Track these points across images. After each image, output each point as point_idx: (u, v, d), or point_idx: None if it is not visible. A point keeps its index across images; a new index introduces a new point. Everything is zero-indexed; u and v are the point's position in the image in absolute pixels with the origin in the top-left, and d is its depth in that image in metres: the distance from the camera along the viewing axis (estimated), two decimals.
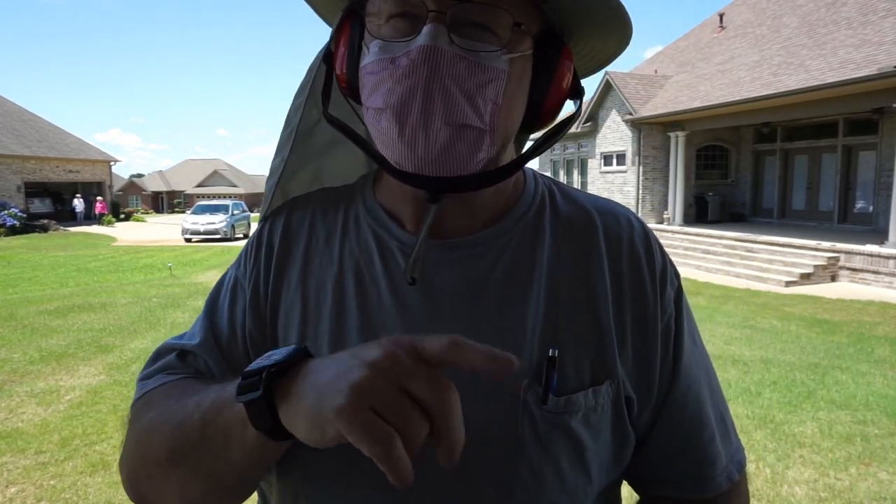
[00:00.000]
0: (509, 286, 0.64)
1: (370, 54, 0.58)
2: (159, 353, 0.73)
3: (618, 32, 0.64)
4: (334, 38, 0.65)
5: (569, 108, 0.69)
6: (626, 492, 0.75)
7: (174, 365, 0.71)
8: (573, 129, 19.02)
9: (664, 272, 0.68)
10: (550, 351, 0.61)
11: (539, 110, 0.63)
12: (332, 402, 0.44)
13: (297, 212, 0.73)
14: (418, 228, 0.65)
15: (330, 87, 0.67)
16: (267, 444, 0.52)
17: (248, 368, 0.51)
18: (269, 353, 0.53)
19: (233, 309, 0.70)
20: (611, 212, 0.70)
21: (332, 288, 0.66)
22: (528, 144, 0.77)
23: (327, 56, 0.66)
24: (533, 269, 0.65)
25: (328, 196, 0.75)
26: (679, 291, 0.69)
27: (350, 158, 0.81)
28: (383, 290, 0.64)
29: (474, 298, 0.63)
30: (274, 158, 0.78)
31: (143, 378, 0.71)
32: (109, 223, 29.59)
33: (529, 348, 0.61)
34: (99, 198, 31.66)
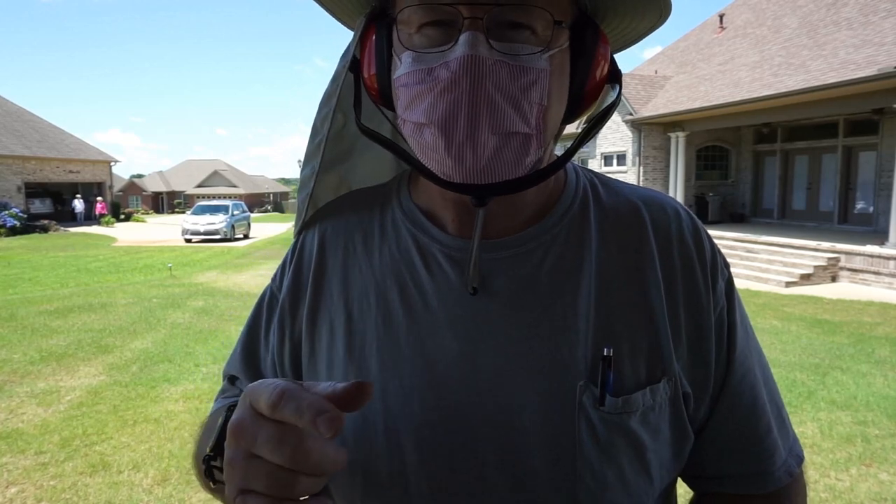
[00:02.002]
0: (559, 283, 0.62)
1: (403, 65, 0.56)
2: (223, 377, 0.80)
3: (656, 8, 0.61)
4: (359, 44, 0.63)
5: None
6: (681, 489, 0.73)
7: (228, 389, 0.78)
8: (573, 130, 18.97)
9: (714, 264, 0.66)
10: (605, 350, 0.59)
11: (579, 100, 0.61)
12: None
13: (331, 220, 0.72)
14: (460, 231, 0.64)
15: (360, 97, 0.64)
16: None
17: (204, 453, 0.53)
18: (213, 424, 0.55)
19: (268, 328, 0.71)
20: (658, 202, 0.68)
21: (376, 297, 0.64)
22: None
23: (354, 64, 0.64)
24: (581, 264, 0.63)
25: (361, 199, 0.73)
26: (730, 282, 0.67)
27: (378, 159, 0.80)
28: (430, 296, 0.62)
29: (523, 299, 0.61)
30: (303, 169, 0.76)
31: (215, 399, 0.80)
32: (109, 224, 29.48)
33: (584, 347, 0.59)
34: (99, 198, 31.65)
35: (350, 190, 0.79)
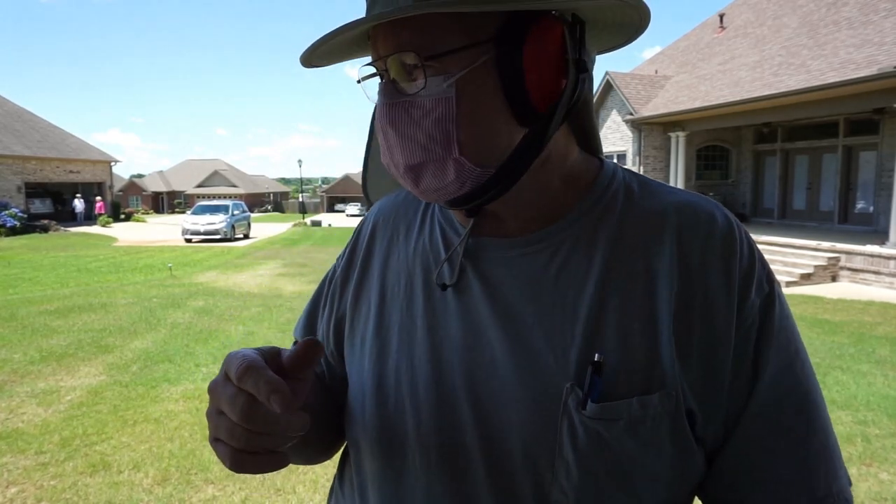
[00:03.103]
0: (561, 285, 0.62)
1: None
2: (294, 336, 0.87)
3: (629, 28, 0.65)
4: None
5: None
6: None
7: None
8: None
9: (748, 275, 0.61)
10: (596, 355, 0.59)
11: (521, 100, 0.58)
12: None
13: (385, 210, 0.80)
14: (477, 228, 0.69)
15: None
16: None
17: None
18: None
19: (325, 301, 0.81)
20: (692, 207, 0.64)
21: (405, 282, 0.71)
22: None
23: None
24: (588, 268, 0.62)
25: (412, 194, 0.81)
26: (769, 298, 0.62)
27: None
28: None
29: (525, 297, 0.63)
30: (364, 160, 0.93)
31: None
32: (106, 224, 29.33)
33: (576, 350, 0.60)
34: (98, 198, 31.66)
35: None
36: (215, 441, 0.54)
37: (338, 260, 0.82)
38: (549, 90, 0.59)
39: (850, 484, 0.64)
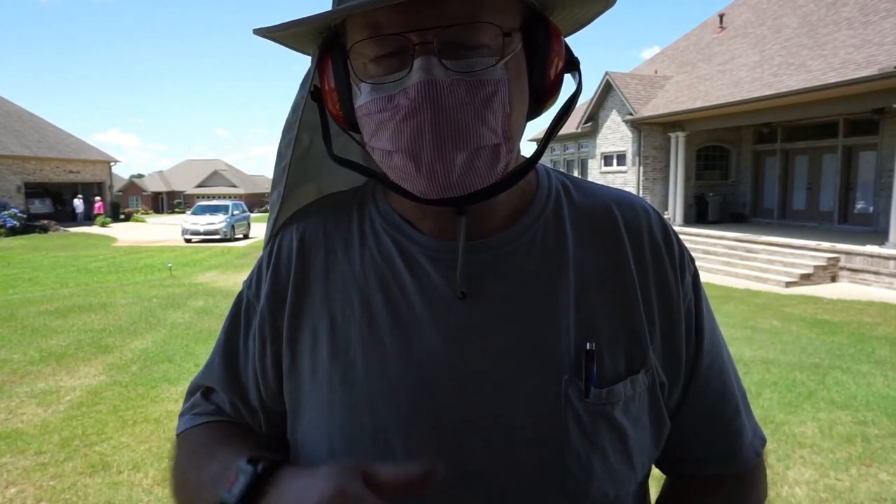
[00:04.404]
0: (541, 282, 0.63)
1: (363, 95, 0.58)
2: (190, 392, 0.77)
3: (600, 1, 0.63)
4: (317, 74, 0.64)
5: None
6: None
7: (200, 403, 0.75)
8: (574, 130, 19.03)
9: (682, 259, 0.70)
10: (588, 344, 0.61)
11: (541, 96, 0.62)
12: None
13: (309, 225, 0.71)
14: (440, 232, 0.65)
15: (328, 126, 0.66)
16: None
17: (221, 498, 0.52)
18: (231, 477, 0.52)
19: (247, 337, 0.70)
20: (628, 202, 0.71)
21: (359, 300, 0.64)
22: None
23: (315, 93, 0.65)
24: (561, 262, 0.65)
25: (336, 203, 0.73)
26: (696, 276, 0.71)
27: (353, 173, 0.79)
28: (414, 297, 0.63)
29: (507, 299, 0.63)
30: (271, 193, 0.78)
31: (181, 414, 0.77)
32: (104, 224, 29.19)
33: (566, 343, 0.62)
34: (98, 198, 31.65)
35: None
36: None
37: (248, 288, 0.72)
38: (557, 84, 0.62)
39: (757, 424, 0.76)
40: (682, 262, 0.69)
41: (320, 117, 0.67)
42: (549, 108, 0.65)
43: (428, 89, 0.53)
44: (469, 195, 0.58)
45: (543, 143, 0.66)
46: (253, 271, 0.73)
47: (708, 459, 0.72)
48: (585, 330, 0.62)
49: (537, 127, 30.67)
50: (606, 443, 0.61)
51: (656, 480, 0.75)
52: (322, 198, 0.77)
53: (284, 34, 0.62)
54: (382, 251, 0.66)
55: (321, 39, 0.63)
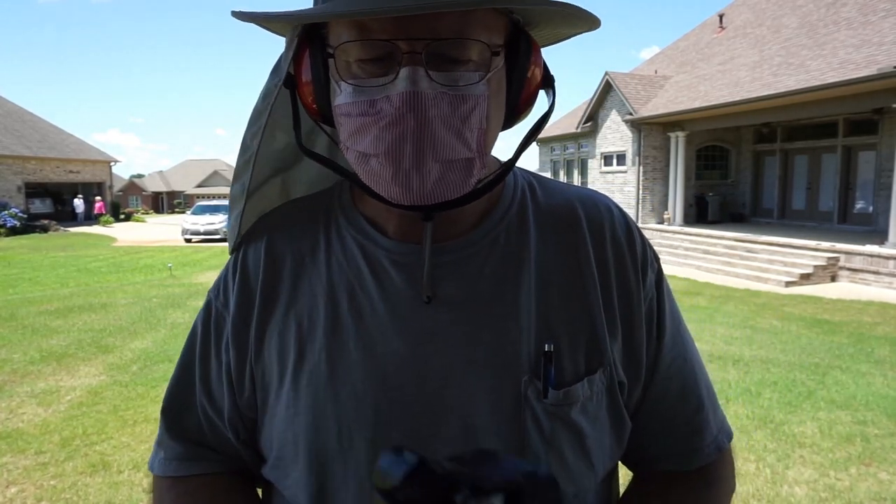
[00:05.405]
0: (501, 284, 0.64)
1: (343, 94, 0.57)
2: (164, 410, 0.74)
3: (586, 22, 0.62)
4: (293, 63, 0.62)
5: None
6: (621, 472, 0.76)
7: (178, 436, 0.72)
8: (574, 130, 19.04)
9: (644, 257, 0.70)
10: (546, 346, 0.62)
11: (516, 110, 0.63)
12: None
13: (275, 232, 0.71)
14: (403, 236, 0.66)
15: (298, 115, 0.65)
16: None
17: None
18: None
19: (219, 348, 0.70)
20: (591, 200, 0.72)
21: (325, 305, 0.65)
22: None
23: (289, 80, 0.63)
24: (522, 263, 0.65)
25: (303, 208, 0.73)
26: (659, 274, 0.72)
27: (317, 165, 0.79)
28: (377, 301, 0.64)
29: (468, 300, 0.63)
30: (232, 186, 0.75)
31: (158, 442, 0.74)
32: (107, 223, 29.38)
33: (526, 344, 0.62)
34: (98, 198, 31.64)
35: (293, 197, 0.79)
36: None
37: (215, 299, 0.71)
38: (532, 100, 0.63)
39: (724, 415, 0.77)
40: (645, 261, 0.70)
41: (292, 106, 0.65)
42: (521, 121, 0.66)
43: (412, 100, 0.53)
44: (439, 204, 0.58)
45: (513, 158, 0.65)
46: (219, 281, 0.72)
47: (667, 456, 0.72)
48: (545, 331, 0.63)
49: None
50: (564, 443, 0.62)
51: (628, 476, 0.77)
52: (288, 203, 0.76)
53: (262, 16, 0.61)
54: (348, 255, 0.67)
55: (300, 28, 0.61)
